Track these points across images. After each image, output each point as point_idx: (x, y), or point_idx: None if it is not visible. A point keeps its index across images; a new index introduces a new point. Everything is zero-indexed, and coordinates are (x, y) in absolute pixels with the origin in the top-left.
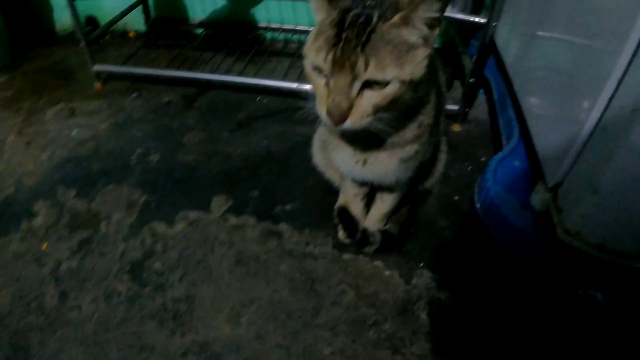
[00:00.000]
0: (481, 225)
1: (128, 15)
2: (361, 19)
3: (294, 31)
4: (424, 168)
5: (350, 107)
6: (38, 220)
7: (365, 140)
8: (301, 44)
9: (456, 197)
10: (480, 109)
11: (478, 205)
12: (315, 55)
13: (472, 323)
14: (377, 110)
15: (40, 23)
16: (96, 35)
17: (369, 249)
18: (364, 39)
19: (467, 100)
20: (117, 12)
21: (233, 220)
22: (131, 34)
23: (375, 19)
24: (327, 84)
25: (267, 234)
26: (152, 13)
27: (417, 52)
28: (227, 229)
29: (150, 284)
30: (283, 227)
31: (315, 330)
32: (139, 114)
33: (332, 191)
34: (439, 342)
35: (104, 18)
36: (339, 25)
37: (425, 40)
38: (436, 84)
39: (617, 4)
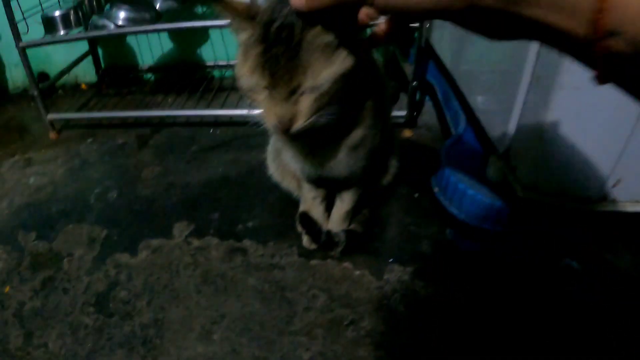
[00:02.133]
0: (444, 215)
1: (79, 67)
2: (285, 32)
3: None
4: (377, 159)
5: (294, 114)
6: None
7: (311, 137)
8: None
9: (416, 195)
10: (428, 115)
11: (436, 189)
12: (249, 76)
13: (452, 308)
14: (319, 109)
15: None
16: (48, 85)
17: (336, 250)
18: (293, 52)
19: (413, 104)
20: (65, 66)
21: (196, 242)
22: (83, 86)
23: (298, 29)
24: (268, 96)
25: (231, 251)
26: (102, 63)
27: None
28: (190, 252)
29: (117, 314)
30: (247, 243)
31: (292, 337)
32: (95, 157)
33: (292, 203)
34: (420, 331)
35: (55, 72)
36: (265, 41)
37: None
38: (373, 68)
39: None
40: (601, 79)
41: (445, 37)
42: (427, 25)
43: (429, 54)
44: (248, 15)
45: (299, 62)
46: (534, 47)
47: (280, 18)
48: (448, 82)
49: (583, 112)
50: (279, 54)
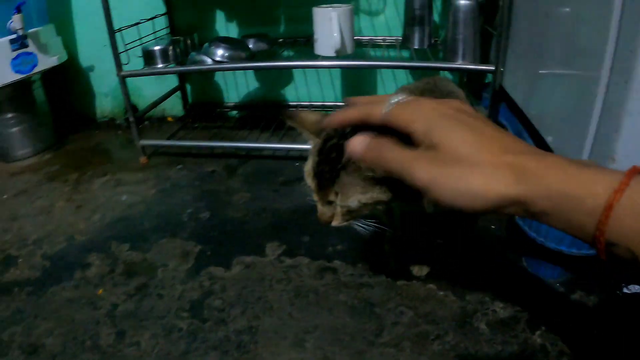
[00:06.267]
0: (522, 243)
1: (167, 101)
2: (334, 153)
3: (322, 107)
4: None
5: (332, 216)
6: (92, 270)
7: None
8: None
9: (492, 226)
10: None
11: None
12: (306, 176)
13: (528, 327)
14: (353, 218)
15: (82, 110)
16: (140, 114)
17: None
18: (336, 172)
19: None
20: (155, 99)
21: (288, 261)
22: (169, 119)
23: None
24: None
25: (322, 270)
26: (190, 99)
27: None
28: (283, 269)
29: (211, 320)
30: (337, 263)
31: (380, 348)
32: (185, 182)
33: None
34: (500, 346)
35: (144, 106)
36: (319, 154)
37: None
38: None
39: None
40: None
41: (518, 80)
42: (501, 69)
43: (502, 97)
44: (314, 130)
45: (338, 182)
46: (604, 79)
47: (337, 137)
48: (521, 122)
49: None
50: (325, 170)
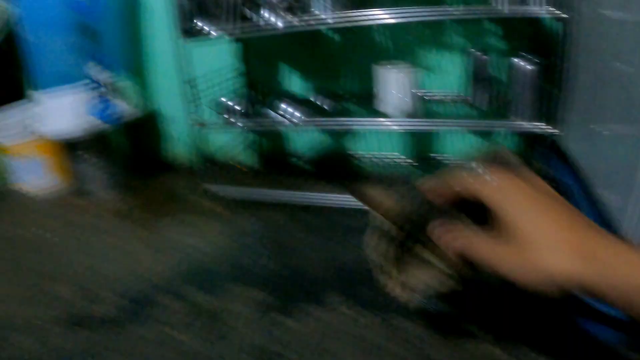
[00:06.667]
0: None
1: (239, 151)
2: (400, 236)
3: (386, 158)
4: None
5: (396, 290)
6: (165, 311)
7: None
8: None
9: None
10: None
11: None
12: (370, 251)
13: None
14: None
15: (158, 155)
16: (214, 162)
17: None
18: (400, 254)
19: None
20: (227, 148)
21: (352, 314)
22: (238, 166)
23: (411, 241)
24: None
25: (385, 325)
26: (261, 149)
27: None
28: (346, 321)
29: None
30: (400, 319)
31: None
32: (253, 229)
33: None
34: None
35: (218, 154)
36: (386, 235)
37: None
38: None
39: None
40: None
41: (571, 133)
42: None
43: (557, 150)
44: (379, 209)
45: (403, 262)
46: None
47: (402, 221)
48: (572, 176)
49: None
50: (390, 250)
